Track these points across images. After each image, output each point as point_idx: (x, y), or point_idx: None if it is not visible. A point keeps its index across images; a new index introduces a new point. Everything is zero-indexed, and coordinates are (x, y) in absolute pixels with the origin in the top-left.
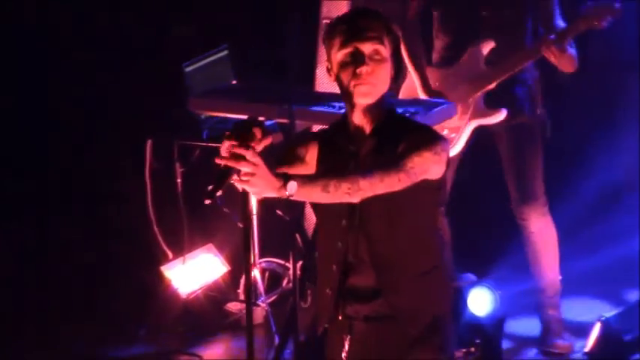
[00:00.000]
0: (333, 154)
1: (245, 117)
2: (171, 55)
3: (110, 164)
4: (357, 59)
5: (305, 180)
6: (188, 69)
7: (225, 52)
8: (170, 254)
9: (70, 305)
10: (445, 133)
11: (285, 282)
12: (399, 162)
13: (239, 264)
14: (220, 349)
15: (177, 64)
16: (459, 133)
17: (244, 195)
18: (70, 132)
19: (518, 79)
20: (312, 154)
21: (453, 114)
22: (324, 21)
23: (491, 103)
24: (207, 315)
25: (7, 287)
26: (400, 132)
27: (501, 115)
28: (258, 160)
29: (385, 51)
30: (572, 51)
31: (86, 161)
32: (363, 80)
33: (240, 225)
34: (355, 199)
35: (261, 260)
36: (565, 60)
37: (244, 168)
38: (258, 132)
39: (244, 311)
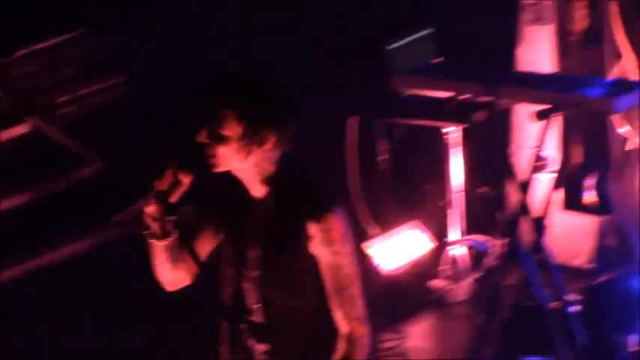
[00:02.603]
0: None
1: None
2: (370, 32)
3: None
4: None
5: None
6: (390, 47)
7: (430, 31)
8: (376, 230)
9: None
10: None
11: (489, 259)
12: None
13: (444, 240)
14: (424, 326)
15: (376, 41)
16: None
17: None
18: None
19: None
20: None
21: None
22: (524, 1)
23: None
24: (410, 292)
25: None
26: (297, 204)
27: None
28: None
29: (229, 131)
30: None
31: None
32: (204, 149)
33: (445, 201)
34: None
35: (465, 237)
36: None
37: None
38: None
39: (449, 287)
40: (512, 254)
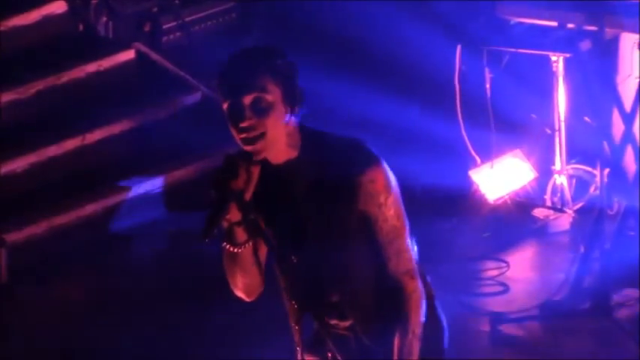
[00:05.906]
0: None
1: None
2: None
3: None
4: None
5: None
6: None
7: None
8: (478, 159)
9: None
10: None
11: (592, 189)
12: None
13: (546, 170)
14: (526, 255)
15: None
16: None
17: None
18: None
19: None
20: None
21: None
22: None
23: None
24: (513, 220)
25: None
26: (334, 165)
27: None
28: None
29: (270, 96)
30: None
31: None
32: (248, 134)
33: (548, 131)
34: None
35: (568, 167)
36: None
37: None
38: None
39: (551, 217)
40: (615, 184)
